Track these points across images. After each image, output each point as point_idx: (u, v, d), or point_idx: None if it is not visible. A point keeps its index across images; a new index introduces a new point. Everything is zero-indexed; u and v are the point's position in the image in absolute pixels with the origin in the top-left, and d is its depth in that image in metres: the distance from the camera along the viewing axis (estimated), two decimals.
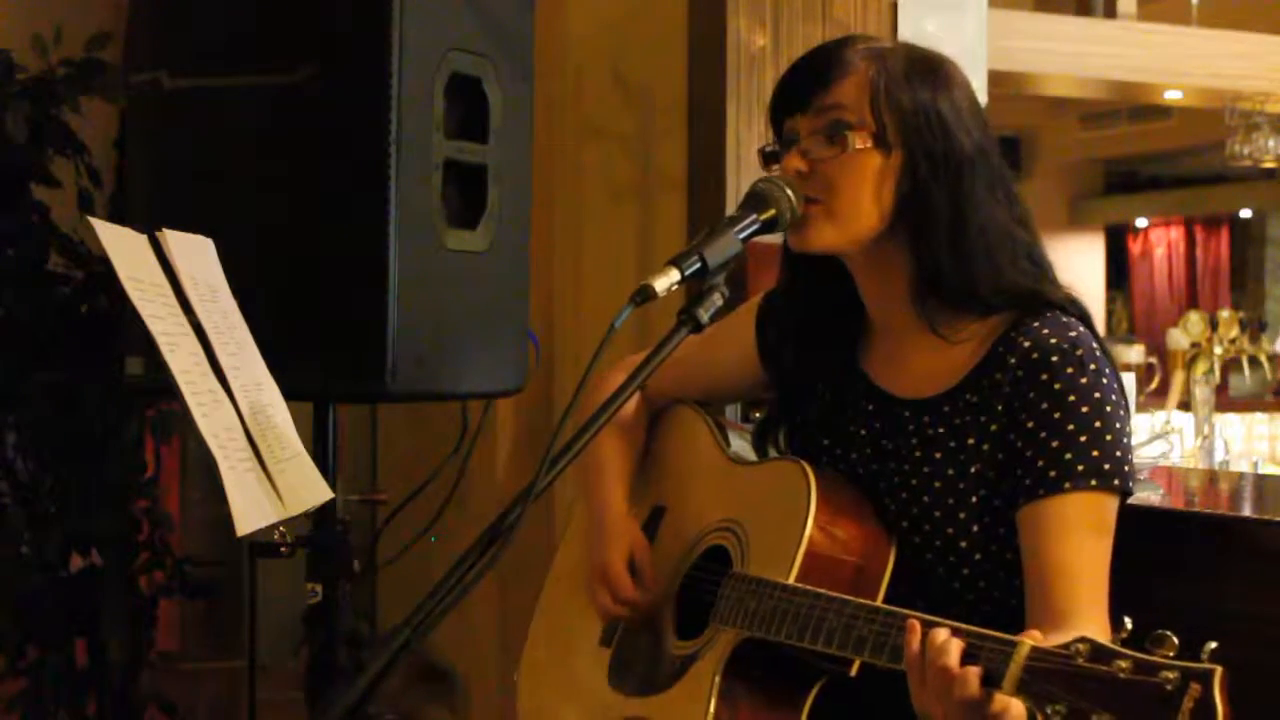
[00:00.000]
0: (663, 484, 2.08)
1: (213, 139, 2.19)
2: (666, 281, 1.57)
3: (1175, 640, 1.28)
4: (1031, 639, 1.40)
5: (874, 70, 1.76)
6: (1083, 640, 1.33)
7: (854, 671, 1.67)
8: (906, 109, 1.75)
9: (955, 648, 1.45)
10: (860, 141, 1.74)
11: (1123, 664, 1.29)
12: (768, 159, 1.84)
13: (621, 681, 1.96)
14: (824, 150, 1.76)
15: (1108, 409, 1.70)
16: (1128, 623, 1.32)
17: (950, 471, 1.77)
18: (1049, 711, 1.33)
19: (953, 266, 1.75)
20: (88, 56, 3.63)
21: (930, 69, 1.80)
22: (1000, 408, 1.74)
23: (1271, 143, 7.47)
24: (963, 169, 1.76)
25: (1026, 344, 1.73)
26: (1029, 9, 7.59)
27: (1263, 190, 12.22)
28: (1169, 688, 1.26)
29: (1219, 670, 1.25)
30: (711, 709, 1.75)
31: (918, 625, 1.50)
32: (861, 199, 1.76)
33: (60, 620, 3.57)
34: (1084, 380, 1.70)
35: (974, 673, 1.43)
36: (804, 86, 1.79)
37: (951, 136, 1.76)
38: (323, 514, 2.15)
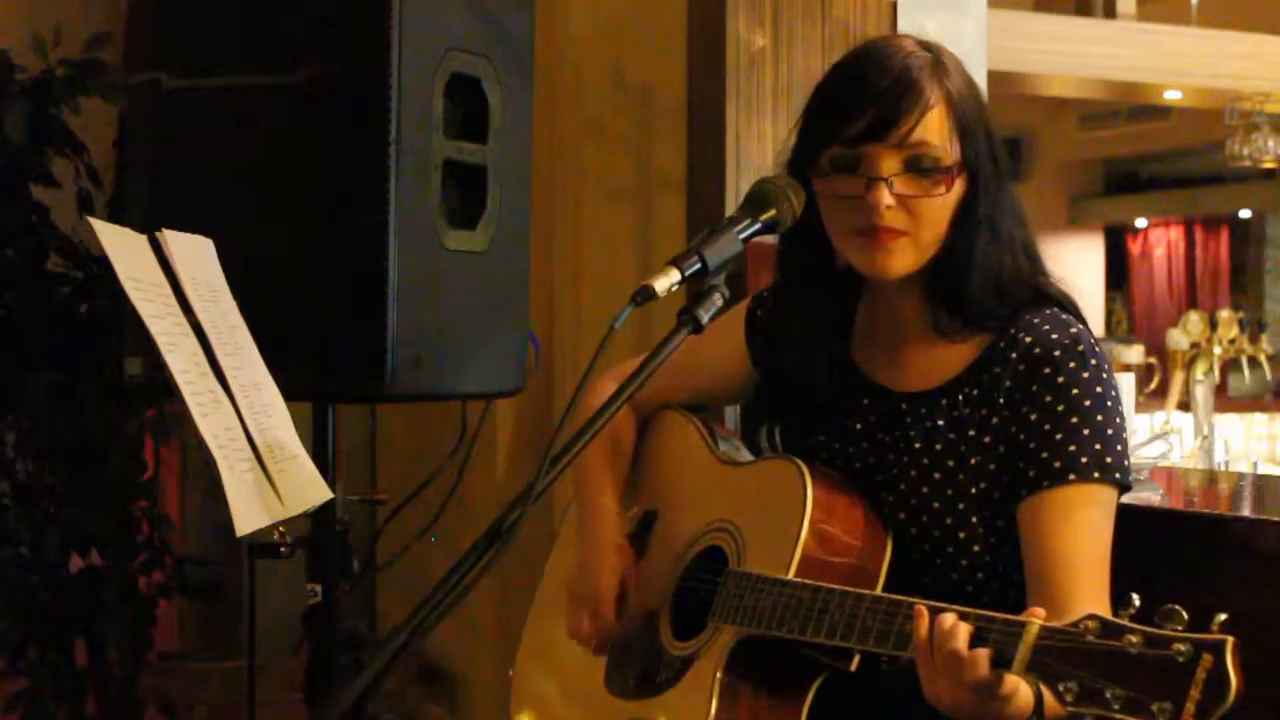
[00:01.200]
0: (654, 489, 2.08)
1: (213, 139, 2.19)
2: (667, 282, 1.57)
3: (1184, 614, 1.28)
4: (1038, 618, 1.40)
5: (945, 96, 1.76)
6: (1091, 618, 1.33)
7: (854, 666, 1.67)
8: (977, 134, 1.78)
9: (964, 631, 1.45)
10: (949, 181, 1.75)
11: (1133, 639, 1.29)
12: (838, 166, 1.78)
13: (619, 685, 1.96)
14: (915, 187, 1.75)
15: (1108, 403, 1.72)
16: (1135, 599, 1.32)
17: (950, 463, 1.77)
18: (1061, 689, 1.33)
19: (975, 279, 1.78)
20: (87, 56, 3.63)
21: (970, 78, 1.82)
22: (1001, 401, 1.75)
23: (1271, 143, 7.47)
24: (1001, 180, 1.79)
25: (1028, 339, 1.75)
26: (1029, 9, 7.58)
27: (1262, 190, 12.22)
28: (1181, 660, 1.26)
29: (1230, 640, 1.25)
30: (713, 708, 1.75)
31: (925, 610, 1.50)
32: (944, 226, 1.78)
33: (60, 620, 3.56)
34: (1086, 375, 1.72)
35: (983, 655, 1.43)
36: (887, 119, 1.75)
37: (994, 146, 1.80)
38: (322, 514, 2.15)
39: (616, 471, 2.09)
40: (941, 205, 1.76)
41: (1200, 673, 1.24)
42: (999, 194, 1.79)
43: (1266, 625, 1.79)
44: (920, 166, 1.74)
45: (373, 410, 4.28)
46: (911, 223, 1.75)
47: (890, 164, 1.74)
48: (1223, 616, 1.27)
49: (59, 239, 3.59)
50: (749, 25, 3.38)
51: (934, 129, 1.75)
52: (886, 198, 1.74)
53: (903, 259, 1.77)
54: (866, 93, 1.76)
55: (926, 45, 1.82)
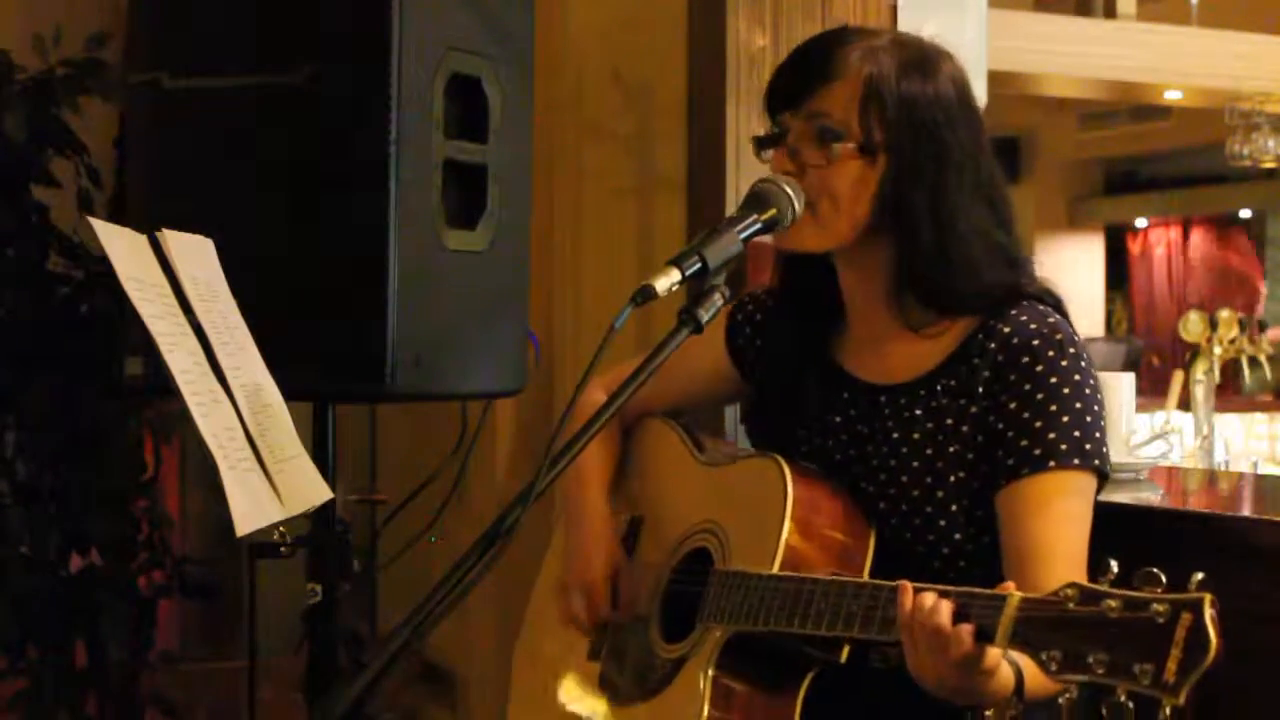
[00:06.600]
0: (639, 495, 2.08)
1: (213, 139, 2.19)
2: (667, 281, 1.57)
3: (1163, 577, 1.28)
4: (1019, 591, 1.40)
5: (865, 73, 1.78)
6: (1071, 585, 1.35)
7: (843, 658, 1.67)
8: (893, 115, 1.77)
9: (946, 608, 1.47)
10: (846, 153, 1.76)
11: (1112, 603, 1.30)
12: (760, 145, 1.85)
13: (613, 691, 1.96)
14: (811, 155, 1.78)
15: (1086, 392, 1.74)
16: (1114, 565, 1.33)
17: (928, 452, 1.79)
18: (1044, 658, 1.34)
19: (930, 270, 1.79)
20: (88, 56, 3.63)
21: (922, 66, 1.81)
22: (980, 391, 1.77)
23: (1271, 143, 7.46)
24: (946, 173, 1.78)
25: (1006, 330, 1.77)
26: (1029, 9, 7.58)
27: (1263, 190, 12.20)
28: (1161, 620, 1.26)
29: (1208, 597, 1.26)
30: (706, 709, 1.75)
31: (909, 586, 1.51)
32: (842, 206, 1.78)
33: (60, 620, 3.56)
34: (1065, 363, 1.74)
35: (967, 630, 1.44)
36: (795, 86, 1.81)
37: (938, 138, 1.78)
38: (323, 514, 2.15)
39: (604, 469, 2.10)
40: (843, 181, 1.77)
41: (1180, 631, 1.25)
42: (940, 191, 1.77)
43: (1267, 625, 1.79)
44: (819, 135, 1.77)
45: (373, 410, 4.29)
46: (808, 193, 1.77)
47: (795, 130, 1.79)
48: (1200, 576, 1.27)
49: (59, 239, 3.59)
50: (749, 25, 3.39)
51: (837, 101, 1.77)
52: (783, 163, 1.79)
53: (799, 231, 1.78)
54: (782, 64, 1.84)
55: (881, 37, 1.83)
